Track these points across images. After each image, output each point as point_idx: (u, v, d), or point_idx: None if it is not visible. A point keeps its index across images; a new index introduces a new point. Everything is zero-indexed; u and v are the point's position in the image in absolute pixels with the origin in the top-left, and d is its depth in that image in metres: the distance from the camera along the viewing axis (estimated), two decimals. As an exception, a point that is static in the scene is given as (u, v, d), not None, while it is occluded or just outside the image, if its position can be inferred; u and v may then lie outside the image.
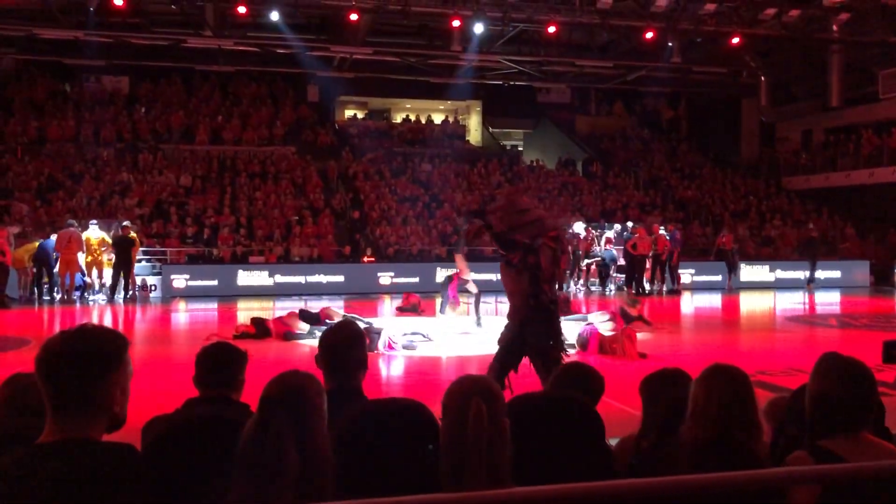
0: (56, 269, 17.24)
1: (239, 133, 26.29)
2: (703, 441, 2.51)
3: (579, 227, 20.09)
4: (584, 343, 10.21)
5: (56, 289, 17.51)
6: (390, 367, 9.51)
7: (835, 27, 22.19)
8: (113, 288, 17.37)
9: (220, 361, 3.15)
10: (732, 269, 21.23)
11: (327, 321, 11.40)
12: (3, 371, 3.18)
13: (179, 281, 18.94)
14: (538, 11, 21.21)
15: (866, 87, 25.72)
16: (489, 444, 2.23)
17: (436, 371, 9.39)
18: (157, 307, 17.07)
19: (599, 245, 20.58)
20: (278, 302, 16.95)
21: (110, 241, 17.56)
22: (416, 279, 19.47)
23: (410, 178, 25.68)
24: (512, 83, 27.95)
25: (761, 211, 26.42)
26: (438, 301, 13.57)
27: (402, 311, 14.95)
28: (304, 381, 2.35)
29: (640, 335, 10.50)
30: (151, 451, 2.46)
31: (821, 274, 21.45)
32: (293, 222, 22.07)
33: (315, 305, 13.78)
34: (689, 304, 18.57)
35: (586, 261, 20.18)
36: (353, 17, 20.65)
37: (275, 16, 20.76)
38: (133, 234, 17.60)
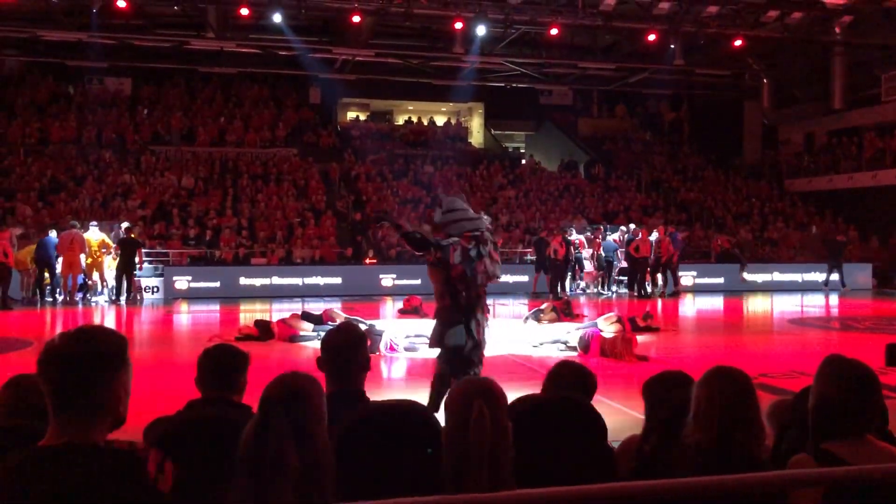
0: (58, 271, 17.25)
1: (241, 135, 26.31)
2: (705, 443, 2.51)
3: (575, 233, 19.93)
4: (585, 345, 10.22)
5: (58, 290, 17.52)
6: (392, 369, 9.51)
7: (837, 29, 22.20)
8: (118, 290, 17.39)
9: (221, 363, 3.15)
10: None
11: (330, 322, 11.41)
12: (5, 372, 3.18)
13: (181, 282, 18.96)
14: (540, 13, 21.23)
15: (869, 89, 25.71)
16: (491, 446, 2.23)
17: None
18: (160, 309, 17.07)
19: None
20: (280, 304, 16.94)
21: (111, 242, 17.59)
22: (418, 281, 19.41)
23: (412, 180, 25.68)
24: (514, 85, 27.97)
25: (764, 213, 26.40)
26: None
27: (403, 312, 14.95)
28: (304, 383, 2.35)
29: (640, 338, 10.50)
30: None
31: (821, 277, 21.39)
32: (295, 224, 22.08)
33: (317, 307, 13.78)
34: (691, 305, 18.54)
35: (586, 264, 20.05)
36: (356, 18, 20.68)
37: (277, 18, 20.77)
38: (133, 236, 17.63)
